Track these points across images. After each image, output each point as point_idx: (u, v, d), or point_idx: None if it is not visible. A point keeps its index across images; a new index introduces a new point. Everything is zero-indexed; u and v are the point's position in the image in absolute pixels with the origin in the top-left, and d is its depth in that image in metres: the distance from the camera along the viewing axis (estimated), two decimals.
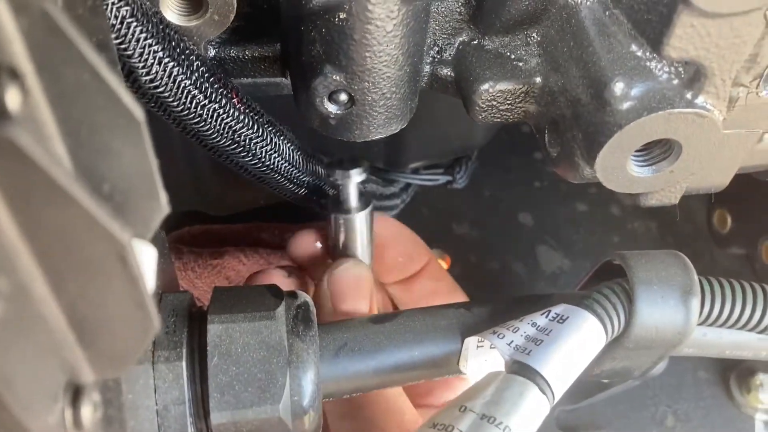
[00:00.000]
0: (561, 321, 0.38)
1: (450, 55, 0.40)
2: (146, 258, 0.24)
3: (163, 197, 0.24)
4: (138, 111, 0.22)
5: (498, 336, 0.37)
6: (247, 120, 0.41)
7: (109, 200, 0.23)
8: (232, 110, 0.40)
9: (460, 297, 0.52)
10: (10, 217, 0.18)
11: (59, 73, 0.20)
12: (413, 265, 0.52)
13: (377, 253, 0.50)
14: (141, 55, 0.36)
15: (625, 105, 0.33)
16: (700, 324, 0.39)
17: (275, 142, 0.43)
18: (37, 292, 0.19)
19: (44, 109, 0.20)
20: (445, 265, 0.64)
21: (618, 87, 0.33)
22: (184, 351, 0.34)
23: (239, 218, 0.61)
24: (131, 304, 0.21)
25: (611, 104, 0.33)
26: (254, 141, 0.42)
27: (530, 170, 0.68)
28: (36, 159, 0.17)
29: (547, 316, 0.38)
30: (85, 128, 0.22)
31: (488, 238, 0.64)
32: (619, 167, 0.35)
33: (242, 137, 0.41)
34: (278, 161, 0.44)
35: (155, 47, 0.36)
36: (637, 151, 0.35)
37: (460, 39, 0.40)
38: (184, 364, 0.34)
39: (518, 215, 0.66)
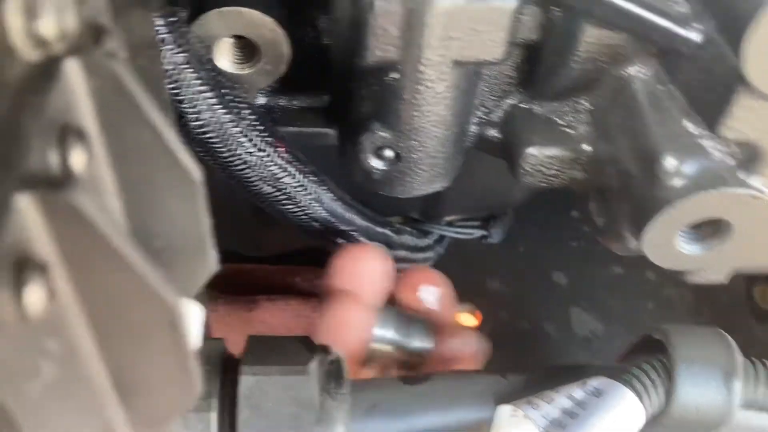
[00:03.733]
0: (598, 395, 0.37)
1: (498, 116, 0.40)
2: (192, 317, 0.24)
3: (213, 256, 0.24)
4: (196, 172, 0.22)
5: (533, 406, 0.36)
6: (290, 169, 0.41)
7: (158, 256, 0.23)
8: (277, 159, 0.40)
9: None
10: (67, 280, 0.18)
11: (122, 133, 0.20)
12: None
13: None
14: (192, 100, 0.37)
15: (676, 181, 0.33)
16: (743, 408, 0.38)
17: (317, 192, 0.43)
18: (84, 353, 0.19)
19: (105, 168, 0.20)
20: (475, 320, 0.63)
21: (669, 163, 0.33)
22: (215, 402, 0.34)
23: (273, 260, 0.61)
24: (176, 368, 0.21)
25: (662, 179, 0.33)
26: (296, 190, 0.42)
27: (567, 228, 0.67)
28: (96, 224, 0.17)
29: (583, 389, 0.37)
30: (142, 186, 0.22)
31: (521, 296, 0.63)
32: (666, 243, 0.34)
33: (285, 186, 0.41)
34: (318, 210, 0.44)
35: (207, 94, 0.37)
36: (685, 227, 0.34)
37: (509, 102, 0.40)
38: (214, 415, 0.34)
39: (552, 274, 0.65)
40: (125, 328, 0.19)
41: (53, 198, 0.16)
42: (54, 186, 0.16)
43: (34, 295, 0.16)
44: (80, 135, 0.18)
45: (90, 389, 0.20)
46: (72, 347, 0.19)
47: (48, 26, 0.17)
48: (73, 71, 0.18)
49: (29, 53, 0.17)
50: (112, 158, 0.20)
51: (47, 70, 0.18)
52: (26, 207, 0.16)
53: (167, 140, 0.21)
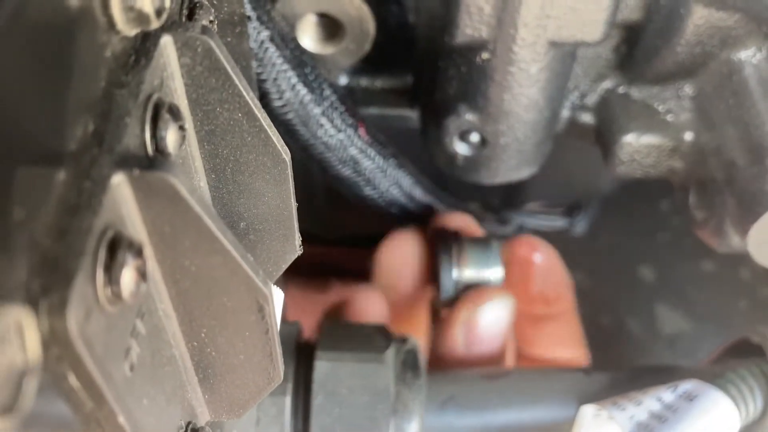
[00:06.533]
0: (690, 399, 0.35)
1: (592, 101, 0.38)
2: (276, 302, 0.23)
3: (298, 240, 0.23)
4: (287, 153, 0.21)
5: (619, 408, 0.35)
6: (370, 152, 0.40)
7: (243, 239, 0.23)
8: (357, 141, 0.39)
9: (582, 356, 0.48)
10: (157, 261, 0.17)
11: (214, 112, 0.20)
12: (554, 305, 0.48)
13: (525, 281, 0.46)
14: (275, 80, 0.36)
15: None
16: None
17: (396, 176, 0.42)
18: (171, 335, 0.19)
19: (195, 147, 0.20)
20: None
21: None
22: (290, 386, 0.33)
23: (346, 243, 0.60)
24: (260, 354, 0.20)
25: None
26: (376, 173, 0.41)
27: (655, 220, 0.63)
28: (191, 204, 0.16)
29: (674, 391, 0.35)
30: (231, 166, 0.21)
31: (603, 291, 0.60)
32: None
33: (364, 169, 0.40)
34: (397, 195, 0.43)
35: (289, 73, 0.36)
36: None
37: (605, 85, 0.37)
38: (288, 399, 0.33)
39: (638, 268, 0.62)
40: (213, 311, 0.19)
41: (149, 177, 0.15)
42: (149, 165, 0.16)
43: (128, 276, 0.15)
44: (174, 113, 0.18)
45: (174, 372, 0.20)
46: (159, 329, 0.18)
47: (147, 0, 0.16)
48: (169, 47, 0.18)
49: (127, 29, 0.17)
50: (202, 137, 0.20)
51: (143, 47, 0.17)
52: (121, 186, 0.15)
53: (260, 120, 0.20)
